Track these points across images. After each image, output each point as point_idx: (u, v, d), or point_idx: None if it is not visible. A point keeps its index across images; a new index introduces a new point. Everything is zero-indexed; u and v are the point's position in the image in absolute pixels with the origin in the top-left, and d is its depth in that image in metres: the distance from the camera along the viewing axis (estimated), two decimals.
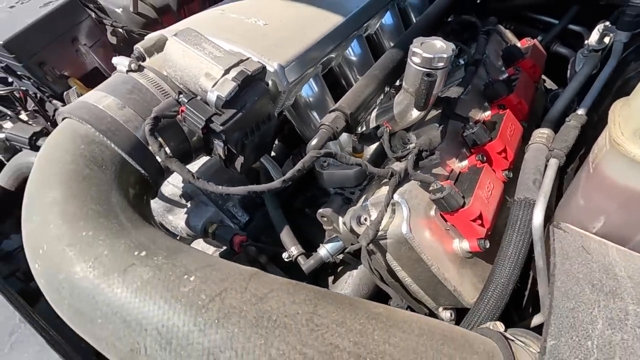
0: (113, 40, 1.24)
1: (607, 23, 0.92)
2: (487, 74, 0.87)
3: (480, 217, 0.62)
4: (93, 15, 1.16)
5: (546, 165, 0.69)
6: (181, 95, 0.49)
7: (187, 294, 0.38)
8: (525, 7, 1.16)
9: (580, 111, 0.75)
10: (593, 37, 0.91)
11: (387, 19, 0.92)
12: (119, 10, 1.20)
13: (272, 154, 0.88)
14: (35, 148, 0.90)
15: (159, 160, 0.51)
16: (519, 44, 1.05)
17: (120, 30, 1.20)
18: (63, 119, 0.50)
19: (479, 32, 0.97)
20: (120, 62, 0.54)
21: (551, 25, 1.17)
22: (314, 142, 0.57)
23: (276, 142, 0.89)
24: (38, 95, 1.09)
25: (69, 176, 0.43)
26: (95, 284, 0.39)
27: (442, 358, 0.36)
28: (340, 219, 0.70)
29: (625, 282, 0.43)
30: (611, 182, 0.49)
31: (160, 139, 0.51)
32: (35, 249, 0.43)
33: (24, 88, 1.07)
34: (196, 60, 0.49)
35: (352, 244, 0.67)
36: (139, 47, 0.56)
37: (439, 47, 0.60)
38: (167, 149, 0.51)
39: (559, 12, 1.14)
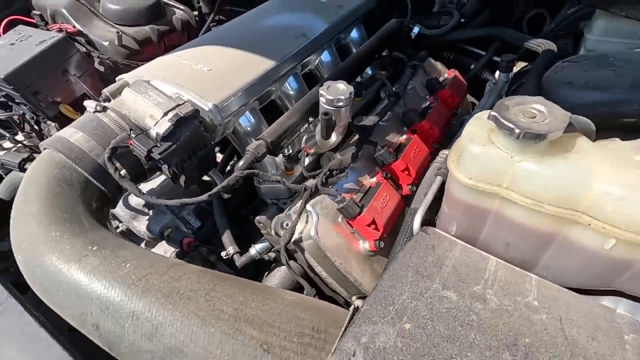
0: (101, 68, 1.42)
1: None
2: (404, 105, 1.04)
3: (374, 222, 0.78)
4: (82, 48, 1.35)
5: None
6: (131, 131, 0.66)
7: (123, 275, 0.54)
8: (458, 42, 1.33)
9: None
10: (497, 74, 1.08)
11: (325, 56, 1.10)
12: (106, 44, 1.38)
13: None
14: (23, 170, 1.08)
15: (116, 179, 0.68)
16: (445, 74, 1.22)
17: (107, 60, 1.39)
18: (44, 149, 0.67)
19: (406, 66, 1.15)
20: (89, 105, 0.71)
21: (481, 56, 1.34)
22: (239, 164, 0.74)
23: None
24: (34, 118, 1.26)
25: (45, 194, 0.60)
26: (58, 269, 0.55)
27: (297, 319, 0.52)
28: (272, 224, 0.86)
29: (446, 270, 0.59)
30: (453, 197, 0.65)
31: (117, 164, 0.68)
32: (19, 245, 0.59)
33: (22, 112, 1.25)
34: (143, 106, 0.65)
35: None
36: (105, 91, 0.73)
37: (341, 89, 0.77)
38: (122, 171, 0.68)
39: (487, 45, 1.32)
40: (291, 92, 0.99)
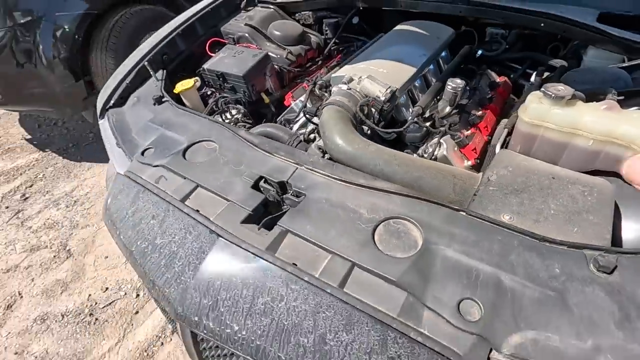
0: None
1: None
2: (479, 95, 1.82)
3: (474, 149, 1.54)
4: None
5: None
6: (368, 98, 1.44)
7: (376, 149, 1.32)
8: (505, 60, 2.11)
9: None
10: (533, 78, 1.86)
11: (432, 66, 1.88)
12: (278, 56, 2.19)
13: None
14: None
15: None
16: (498, 79, 2.00)
17: (277, 66, 2.19)
18: (326, 106, 1.45)
19: (476, 74, 1.93)
20: (341, 84, 1.49)
21: (518, 69, 2.12)
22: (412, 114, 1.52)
23: None
24: (243, 101, 2.06)
25: (339, 119, 1.38)
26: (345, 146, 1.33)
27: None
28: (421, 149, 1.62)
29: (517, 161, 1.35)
30: (519, 130, 1.42)
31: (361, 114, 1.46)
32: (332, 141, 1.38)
33: (239, 96, 2.04)
34: (375, 87, 1.43)
35: None
36: (345, 79, 1.52)
37: (458, 82, 1.55)
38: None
39: (522, 62, 2.10)
40: (417, 85, 1.78)
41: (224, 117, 1.99)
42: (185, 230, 1.20)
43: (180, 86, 1.92)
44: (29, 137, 4.27)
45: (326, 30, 2.43)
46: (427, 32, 1.92)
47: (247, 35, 2.25)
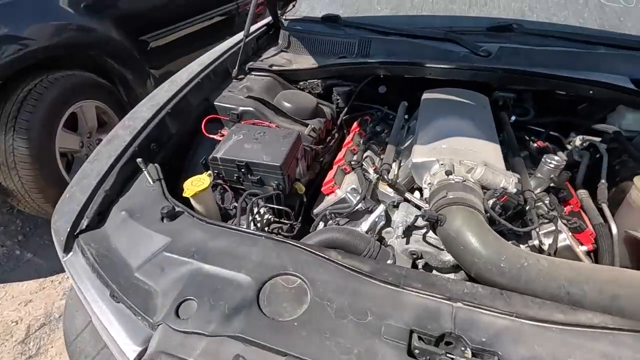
0: None
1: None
2: None
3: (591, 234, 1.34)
4: None
5: None
6: (500, 190, 1.14)
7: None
8: (536, 124, 2.03)
9: None
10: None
11: None
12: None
13: None
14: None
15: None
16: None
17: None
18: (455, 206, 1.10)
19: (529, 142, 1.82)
20: (457, 179, 1.17)
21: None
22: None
23: None
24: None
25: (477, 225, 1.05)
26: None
27: None
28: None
29: None
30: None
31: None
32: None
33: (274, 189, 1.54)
34: (497, 177, 1.15)
35: None
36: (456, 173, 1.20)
37: (557, 158, 1.37)
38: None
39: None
40: None
41: (251, 220, 1.46)
42: None
43: (192, 186, 1.35)
44: None
45: (337, 99, 2.13)
46: (471, 102, 1.76)
47: (252, 109, 1.80)
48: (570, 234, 1.34)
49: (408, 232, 1.30)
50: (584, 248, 1.34)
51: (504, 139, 1.69)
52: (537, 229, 1.33)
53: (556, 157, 1.36)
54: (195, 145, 1.75)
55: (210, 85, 1.91)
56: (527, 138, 1.91)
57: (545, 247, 1.29)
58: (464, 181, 1.18)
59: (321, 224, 1.60)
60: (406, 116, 1.94)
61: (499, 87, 1.96)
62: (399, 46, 2.01)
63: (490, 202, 1.14)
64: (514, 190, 1.16)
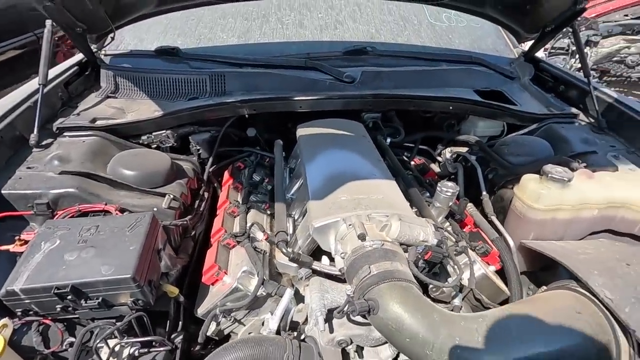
0: None
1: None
2: None
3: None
4: None
5: None
6: (420, 247, 0.96)
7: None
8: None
9: None
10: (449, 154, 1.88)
11: None
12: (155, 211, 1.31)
13: None
14: None
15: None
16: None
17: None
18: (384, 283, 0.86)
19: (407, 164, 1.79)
20: (372, 243, 0.93)
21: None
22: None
23: None
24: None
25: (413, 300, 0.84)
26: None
27: None
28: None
29: None
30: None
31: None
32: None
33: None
34: (415, 231, 0.98)
35: None
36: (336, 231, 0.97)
37: (450, 184, 1.31)
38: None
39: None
40: None
41: None
42: None
43: None
44: None
45: (197, 149, 1.71)
46: (350, 132, 1.62)
47: (73, 190, 1.25)
48: (479, 258, 1.30)
49: (329, 317, 1.02)
50: (492, 268, 1.32)
51: (389, 165, 1.59)
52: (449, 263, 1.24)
53: (449, 184, 1.31)
54: None
55: None
56: (406, 158, 1.90)
57: (466, 283, 1.19)
58: (383, 244, 0.96)
59: (213, 325, 1.19)
60: (283, 153, 1.69)
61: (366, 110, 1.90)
62: (259, 79, 1.74)
63: (413, 263, 0.96)
64: (435, 242, 1.02)
